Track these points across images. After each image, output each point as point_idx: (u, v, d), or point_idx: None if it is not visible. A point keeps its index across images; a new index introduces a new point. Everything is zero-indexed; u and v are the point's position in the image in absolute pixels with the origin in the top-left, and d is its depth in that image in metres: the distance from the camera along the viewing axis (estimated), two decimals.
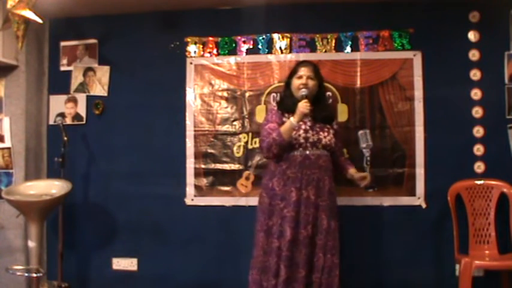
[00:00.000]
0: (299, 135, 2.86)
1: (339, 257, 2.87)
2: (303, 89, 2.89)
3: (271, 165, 2.98)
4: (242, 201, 3.61)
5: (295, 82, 2.96)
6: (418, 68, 3.50)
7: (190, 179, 3.67)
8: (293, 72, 3.01)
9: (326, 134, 2.93)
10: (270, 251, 2.85)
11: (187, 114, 3.71)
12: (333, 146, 2.93)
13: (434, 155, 3.46)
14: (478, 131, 3.45)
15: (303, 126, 2.89)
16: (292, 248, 2.80)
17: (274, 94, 3.61)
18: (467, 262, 3.03)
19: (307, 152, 2.86)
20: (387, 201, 3.49)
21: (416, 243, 3.47)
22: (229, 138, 3.66)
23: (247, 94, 3.66)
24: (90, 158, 3.79)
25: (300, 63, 3.06)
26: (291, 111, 2.87)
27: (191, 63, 3.72)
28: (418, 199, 3.48)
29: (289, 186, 2.85)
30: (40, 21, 2.93)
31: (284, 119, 2.92)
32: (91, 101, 3.81)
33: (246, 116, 3.65)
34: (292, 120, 2.81)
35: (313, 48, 3.59)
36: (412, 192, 3.48)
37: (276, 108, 3.02)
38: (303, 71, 2.96)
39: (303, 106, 2.78)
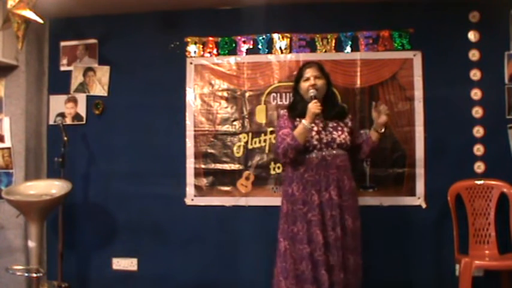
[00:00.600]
0: (312, 137, 2.82)
1: (361, 257, 2.86)
2: (312, 90, 2.85)
3: (288, 171, 2.94)
4: (242, 201, 3.61)
5: (304, 85, 2.92)
6: (418, 68, 3.50)
7: (190, 179, 3.67)
8: (299, 77, 2.98)
9: (340, 132, 2.87)
10: (300, 258, 2.77)
11: (187, 114, 3.71)
12: (348, 144, 2.87)
13: (434, 155, 3.46)
14: (478, 131, 3.45)
15: (316, 128, 2.84)
16: (326, 252, 2.73)
17: (274, 94, 3.62)
18: (467, 262, 3.03)
19: (323, 153, 2.82)
20: (387, 201, 3.49)
21: (416, 243, 3.47)
22: (229, 138, 3.66)
23: (247, 94, 3.66)
24: (90, 158, 3.79)
25: (304, 66, 3.02)
26: (302, 115, 2.83)
27: (191, 63, 3.72)
28: (418, 199, 3.48)
29: (309, 189, 2.80)
30: (40, 21, 2.93)
31: (296, 123, 2.87)
32: (91, 101, 3.81)
33: (246, 116, 3.65)
34: (305, 122, 2.77)
35: (313, 48, 3.60)
36: (412, 192, 3.48)
37: (287, 114, 2.97)
38: (309, 72, 2.93)
39: (314, 107, 2.75)
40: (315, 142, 2.82)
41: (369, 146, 2.95)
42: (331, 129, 2.88)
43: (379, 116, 2.90)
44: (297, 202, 2.82)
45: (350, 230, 2.79)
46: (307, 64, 3.03)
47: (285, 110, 3.03)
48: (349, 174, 2.87)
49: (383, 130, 2.92)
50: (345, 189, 2.82)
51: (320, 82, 2.91)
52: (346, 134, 2.89)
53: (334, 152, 2.84)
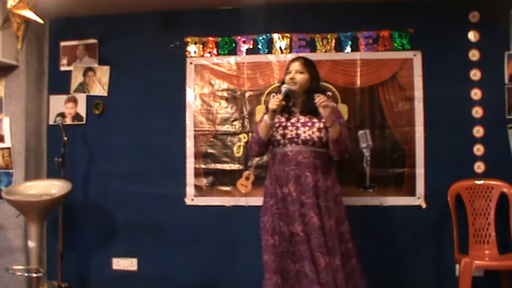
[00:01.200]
0: (276, 132, 2.85)
1: (343, 258, 2.77)
2: (284, 85, 2.86)
3: None
4: (242, 201, 3.61)
5: (286, 79, 2.92)
6: (418, 68, 3.50)
7: (190, 179, 3.67)
8: (286, 71, 2.99)
9: (307, 128, 2.83)
10: (266, 248, 2.83)
11: (187, 114, 3.71)
12: (315, 140, 2.82)
13: (434, 155, 3.46)
14: (478, 131, 3.45)
15: (284, 123, 2.87)
16: (293, 244, 2.76)
17: (274, 94, 3.61)
18: (467, 262, 3.03)
19: (285, 149, 2.84)
20: (387, 201, 3.49)
21: (416, 243, 3.47)
22: (229, 138, 3.66)
23: (247, 94, 3.66)
24: (90, 158, 3.79)
25: (291, 61, 3.03)
26: (281, 111, 2.87)
27: (191, 63, 3.72)
28: (418, 199, 3.48)
29: (274, 183, 2.86)
30: (40, 21, 2.92)
31: (275, 120, 2.89)
32: (91, 101, 3.81)
33: (246, 116, 3.65)
34: (266, 117, 2.82)
35: (313, 48, 3.60)
36: (412, 192, 3.48)
37: (266, 110, 3.00)
38: (292, 66, 2.93)
39: (271, 102, 2.79)
40: (279, 137, 2.85)
41: (331, 140, 2.80)
42: (299, 125, 2.86)
43: (321, 110, 2.75)
44: (267, 195, 2.91)
45: (318, 228, 2.73)
46: (294, 58, 3.03)
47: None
48: (313, 171, 2.79)
49: (329, 123, 2.74)
50: (308, 186, 2.78)
51: (301, 77, 2.88)
52: (316, 129, 2.83)
53: (298, 148, 2.83)
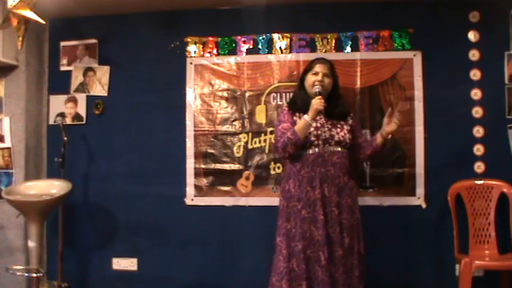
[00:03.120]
0: (310, 133, 2.81)
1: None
2: (317, 86, 2.85)
3: (286, 167, 2.96)
4: (242, 201, 3.61)
5: (310, 78, 2.91)
6: (418, 68, 3.50)
7: (190, 179, 3.67)
8: (308, 69, 2.96)
9: (339, 130, 2.87)
10: (292, 255, 2.77)
11: (187, 114, 3.71)
12: (347, 142, 2.87)
13: (434, 155, 3.47)
14: (478, 131, 3.45)
15: (314, 124, 2.82)
16: (321, 249, 2.73)
17: (274, 94, 3.62)
18: (467, 262, 3.03)
19: (320, 150, 2.82)
20: (387, 201, 3.49)
21: (416, 243, 3.47)
22: (229, 138, 3.66)
23: (247, 94, 3.66)
24: (90, 158, 3.79)
25: (315, 60, 3.00)
26: (302, 110, 2.84)
27: (191, 63, 3.72)
28: (418, 199, 3.48)
29: (304, 186, 2.80)
30: (41, 21, 2.92)
31: (295, 118, 2.88)
32: (91, 101, 3.81)
33: (246, 116, 3.65)
34: (307, 117, 2.76)
35: (313, 48, 3.60)
36: (412, 192, 3.48)
37: (287, 108, 2.98)
38: (319, 68, 2.91)
39: (317, 103, 2.74)
40: (313, 138, 2.82)
41: (372, 147, 2.97)
42: (330, 126, 2.87)
43: (389, 123, 2.92)
44: (292, 199, 2.83)
45: (347, 228, 2.80)
46: (321, 59, 3.00)
47: (286, 104, 3.04)
48: (345, 171, 2.85)
49: (389, 137, 2.94)
50: (345, 186, 2.82)
51: (327, 80, 2.90)
52: (346, 131, 2.89)
53: (332, 149, 2.83)
